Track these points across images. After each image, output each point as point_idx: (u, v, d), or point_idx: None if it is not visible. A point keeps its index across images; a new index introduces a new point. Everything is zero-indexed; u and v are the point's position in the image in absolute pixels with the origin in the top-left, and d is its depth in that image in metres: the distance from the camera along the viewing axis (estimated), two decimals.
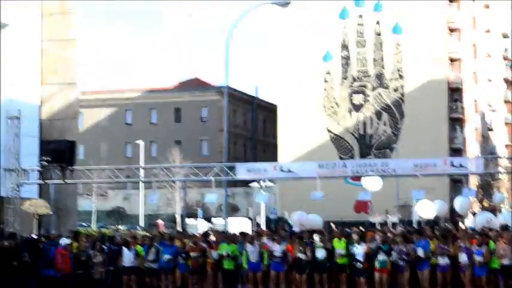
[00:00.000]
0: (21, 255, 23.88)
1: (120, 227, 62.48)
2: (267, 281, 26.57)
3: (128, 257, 27.35)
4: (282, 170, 33.22)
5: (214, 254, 27.13)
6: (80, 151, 71.05)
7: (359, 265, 25.95)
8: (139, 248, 27.71)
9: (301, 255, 26.34)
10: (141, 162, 67.90)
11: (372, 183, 36.44)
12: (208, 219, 57.15)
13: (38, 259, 24.62)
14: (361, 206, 42.52)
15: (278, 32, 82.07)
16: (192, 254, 27.33)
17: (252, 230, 35.22)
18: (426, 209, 39.31)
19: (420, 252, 25.69)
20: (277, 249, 26.55)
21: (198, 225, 51.79)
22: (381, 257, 25.69)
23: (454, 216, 50.91)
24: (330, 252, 26.36)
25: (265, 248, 26.74)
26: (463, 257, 25.27)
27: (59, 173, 36.42)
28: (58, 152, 37.10)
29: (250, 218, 58.54)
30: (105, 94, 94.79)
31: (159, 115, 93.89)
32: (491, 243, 25.46)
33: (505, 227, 29.93)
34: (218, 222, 51.69)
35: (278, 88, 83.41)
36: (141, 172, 39.00)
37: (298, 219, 36.00)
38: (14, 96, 39.74)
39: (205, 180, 34.38)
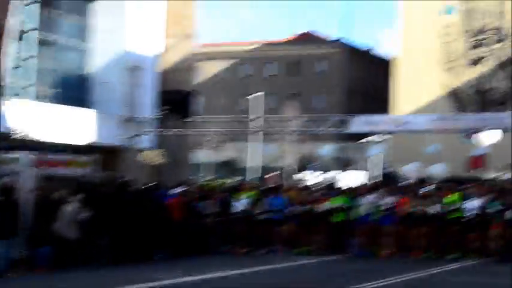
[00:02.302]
0: (139, 203, 24.43)
1: (232, 179, 62.95)
2: (376, 235, 26.44)
3: (238, 207, 27.61)
4: (398, 123, 32.81)
5: (324, 206, 27.13)
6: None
7: (471, 220, 25.52)
8: (249, 195, 27.87)
9: (413, 209, 26.13)
10: (259, 114, 67.88)
11: (489, 137, 35.36)
12: (320, 173, 57.16)
13: (154, 207, 25.12)
14: (477, 161, 41.57)
15: None
16: (302, 206, 27.45)
17: (363, 183, 35.04)
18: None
19: None
20: (386, 202, 26.39)
21: (310, 178, 51.80)
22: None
23: None
24: (442, 206, 26.01)
25: (375, 201, 26.56)
26: None
27: (176, 123, 36.98)
28: (176, 103, 37.58)
29: (365, 171, 58.14)
30: (222, 47, 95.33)
31: (275, 68, 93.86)
32: None
33: None
34: (330, 175, 51.66)
35: (395, 42, 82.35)
36: (259, 123, 38.94)
37: (414, 169, 35.44)
38: (135, 48, 40.35)
39: (320, 132, 34.19)
